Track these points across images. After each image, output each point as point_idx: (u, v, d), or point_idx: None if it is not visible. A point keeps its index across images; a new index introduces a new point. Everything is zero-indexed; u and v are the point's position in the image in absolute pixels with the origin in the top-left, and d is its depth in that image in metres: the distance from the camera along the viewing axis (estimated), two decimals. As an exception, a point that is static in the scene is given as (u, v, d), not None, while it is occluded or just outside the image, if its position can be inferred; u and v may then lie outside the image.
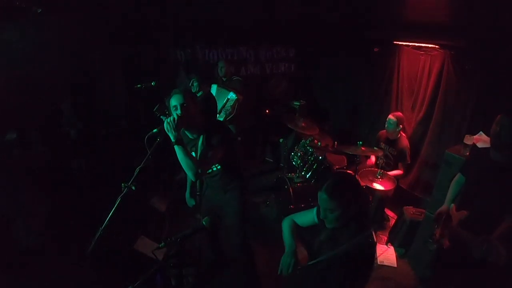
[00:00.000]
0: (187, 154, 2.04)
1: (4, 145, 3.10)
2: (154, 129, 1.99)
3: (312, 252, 1.76)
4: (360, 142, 3.41)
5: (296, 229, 1.90)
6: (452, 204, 2.23)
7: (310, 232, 1.83)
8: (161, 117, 2.40)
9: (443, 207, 2.28)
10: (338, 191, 1.55)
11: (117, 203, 1.80)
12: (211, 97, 3.54)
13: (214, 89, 4.25)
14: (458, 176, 2.33)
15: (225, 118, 4.06)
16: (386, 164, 3.63)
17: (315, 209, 1.80)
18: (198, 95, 3.44)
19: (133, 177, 1.86)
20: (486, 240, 1.85)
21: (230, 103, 4.07)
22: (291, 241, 1.82)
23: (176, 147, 2.01)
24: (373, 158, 3.89)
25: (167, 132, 1.97)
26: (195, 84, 3.58)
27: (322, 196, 1.57)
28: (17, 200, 3.19)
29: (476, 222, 1.99)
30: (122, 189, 1.83)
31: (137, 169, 1.89)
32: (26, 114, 3.38)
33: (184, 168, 2.07)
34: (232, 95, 4.04)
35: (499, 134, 1.82)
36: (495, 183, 1.92)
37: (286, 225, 1.91)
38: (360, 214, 1.60)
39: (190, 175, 2.10)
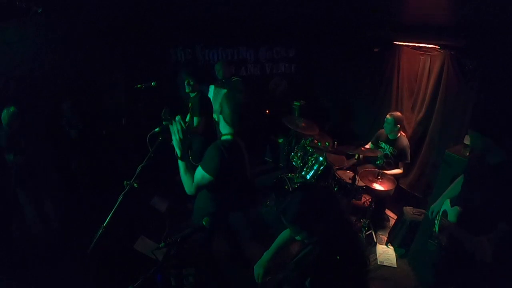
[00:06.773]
0: (187, 172, 1.98)
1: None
2: (155, 128, 1.98)
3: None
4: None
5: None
6: (448, 200, 2.26)
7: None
8: (164, 122, 2.39)
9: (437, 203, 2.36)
10: (296, 215, 1.39)
11: (119, 200, 1.80)
12: (205, 98, 3.48)
13: (211, 89, 4.24)
14: (461, 177, 2.34)
15: None
16: (386, 164, 3.62)
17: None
18: (191, 95, 3.39)
19: (135, 175, 1.86)
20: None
21: None
22: (269, 251, 1.87)
23: (179, 162, 1.96)
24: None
25: (175, 147, 1.92)
26: (191, 83, 3.32)
27: (283, 220, 1.45)
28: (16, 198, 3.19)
29: (473, 221, 2.02)
30: (124, 186, 1.82)
31: (139, 167, 1.89)
32: (26, 114, 3.39)
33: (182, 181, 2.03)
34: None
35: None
36: (491, 184, 1.96)
37: (280, 236, 1.89)
38: (334, 225, 1.41)
39: (186, 190, 2.04)
